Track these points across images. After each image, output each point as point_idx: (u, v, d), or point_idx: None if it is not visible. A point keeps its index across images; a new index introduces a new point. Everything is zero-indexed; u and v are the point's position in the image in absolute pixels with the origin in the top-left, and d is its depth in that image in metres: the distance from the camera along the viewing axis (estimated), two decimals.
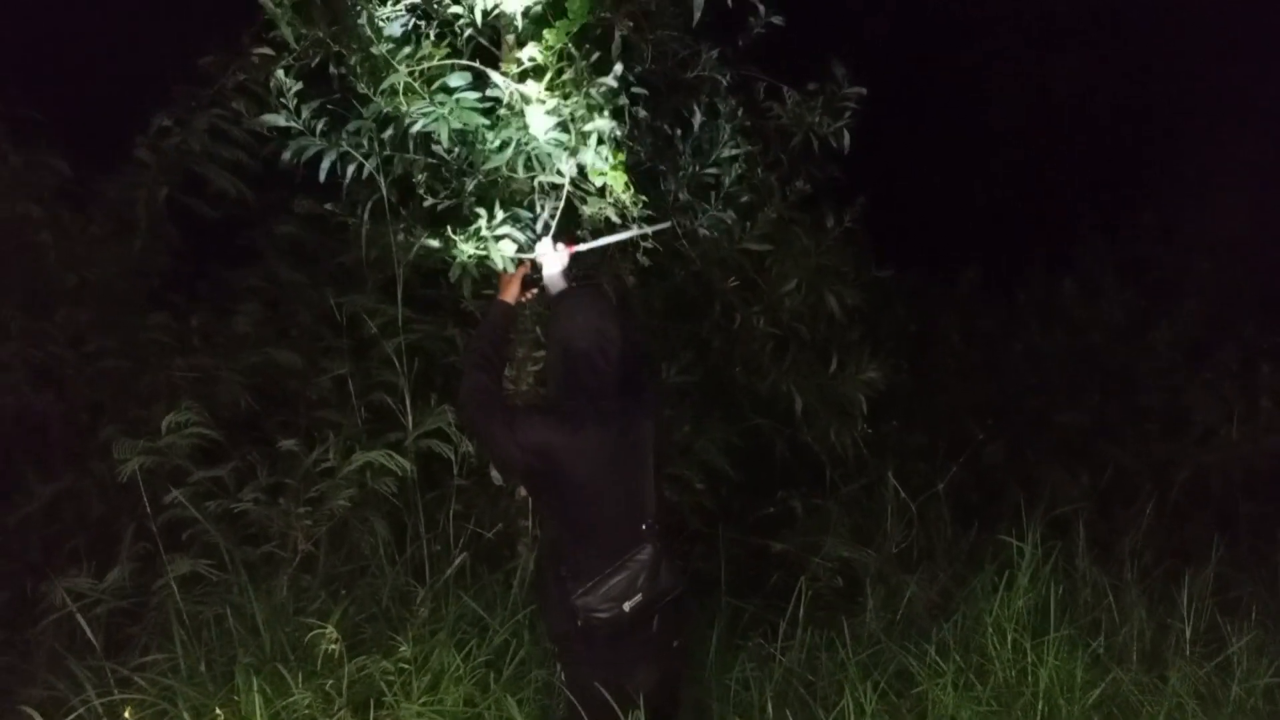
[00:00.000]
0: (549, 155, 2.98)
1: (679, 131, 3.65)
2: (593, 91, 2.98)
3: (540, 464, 2.44)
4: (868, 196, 4.21)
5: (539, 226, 3.05)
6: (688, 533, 3.88)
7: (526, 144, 2.97)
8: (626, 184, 3.03)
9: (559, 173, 3.01)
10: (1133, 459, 5.18)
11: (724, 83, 3.68)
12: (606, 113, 3.00)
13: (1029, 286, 6.55)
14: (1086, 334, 6.10)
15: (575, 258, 2.88)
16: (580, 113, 2.94)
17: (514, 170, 3.04)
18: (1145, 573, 3.91)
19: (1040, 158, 7.57)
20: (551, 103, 2.92)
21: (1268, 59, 6.70)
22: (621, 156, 3.04)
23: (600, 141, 2.98)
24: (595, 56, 3.07)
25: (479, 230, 2.97)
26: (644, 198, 3.14)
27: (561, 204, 3.04)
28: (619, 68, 3.07)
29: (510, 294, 2.80)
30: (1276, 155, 6.75)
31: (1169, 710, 3.13)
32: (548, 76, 2.96)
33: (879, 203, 4.39)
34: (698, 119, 3.56)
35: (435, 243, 3.09)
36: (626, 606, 2.42)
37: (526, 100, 2.92)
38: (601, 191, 3.11)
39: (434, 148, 3.14)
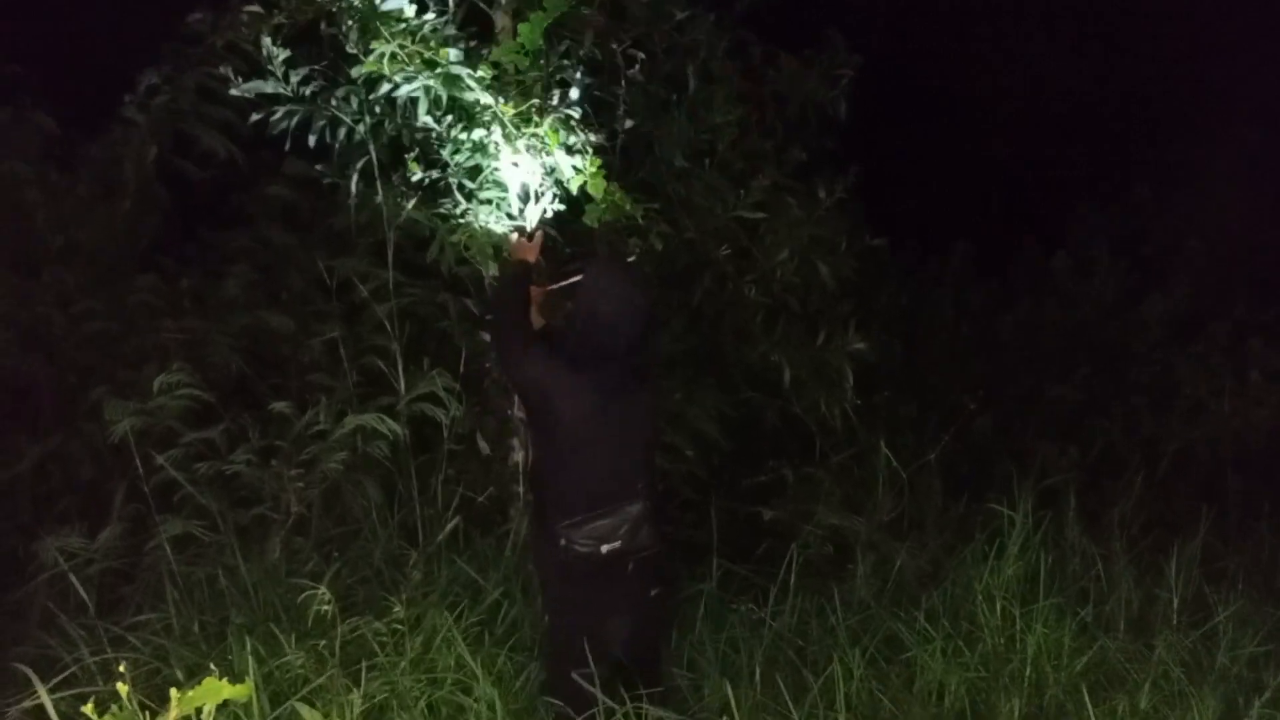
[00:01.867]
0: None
1: (674, 96, 3.63)
2: (561, 109, 2.99)
3: (537, 398, 2.62)
4: (863, 168, 4.19)
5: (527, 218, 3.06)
6: (680, 500, 3.89)
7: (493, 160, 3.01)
8: (609, 190, 3.03)
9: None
10: (1122, 432, 5.21)
11: (720, 47, 3.65)
12: (571, 132, 3.01)
13: (1021, 261, 6.55)
14: (1078, 308, 6.11)
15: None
16: (545, 130, 2.95)
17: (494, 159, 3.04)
18: (1133, 543, 3.95)
19: (1035, 133, 7.56)
20: (521, 145, 2.96)
21: (1263, 38, 6.69)
22: (598, 163, 3.02)
23: (570, 151, 2.99)
24: (565, 46, 3.08)
25: (461, 211, 2.99)
26: (631, 199, 3.13)
27: (539, 206, 3.06)
28: (575, 92, 3.09)
29: (529, 256, 2.92)
30: (1270, 133, 6.76)
31: (1155, 678, 3.16)
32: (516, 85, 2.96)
33: (873, 175, 4.37)
34: (693, 83, 3.52)
35: (418, 215, 3.11)
36: (604, 549, 2.59)
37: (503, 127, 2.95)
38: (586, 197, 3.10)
39: (424, 117, 3.11)
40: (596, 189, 3.01)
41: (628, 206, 3.06)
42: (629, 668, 2.73)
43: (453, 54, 2.91)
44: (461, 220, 3.12)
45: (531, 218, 3.00)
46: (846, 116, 4.08)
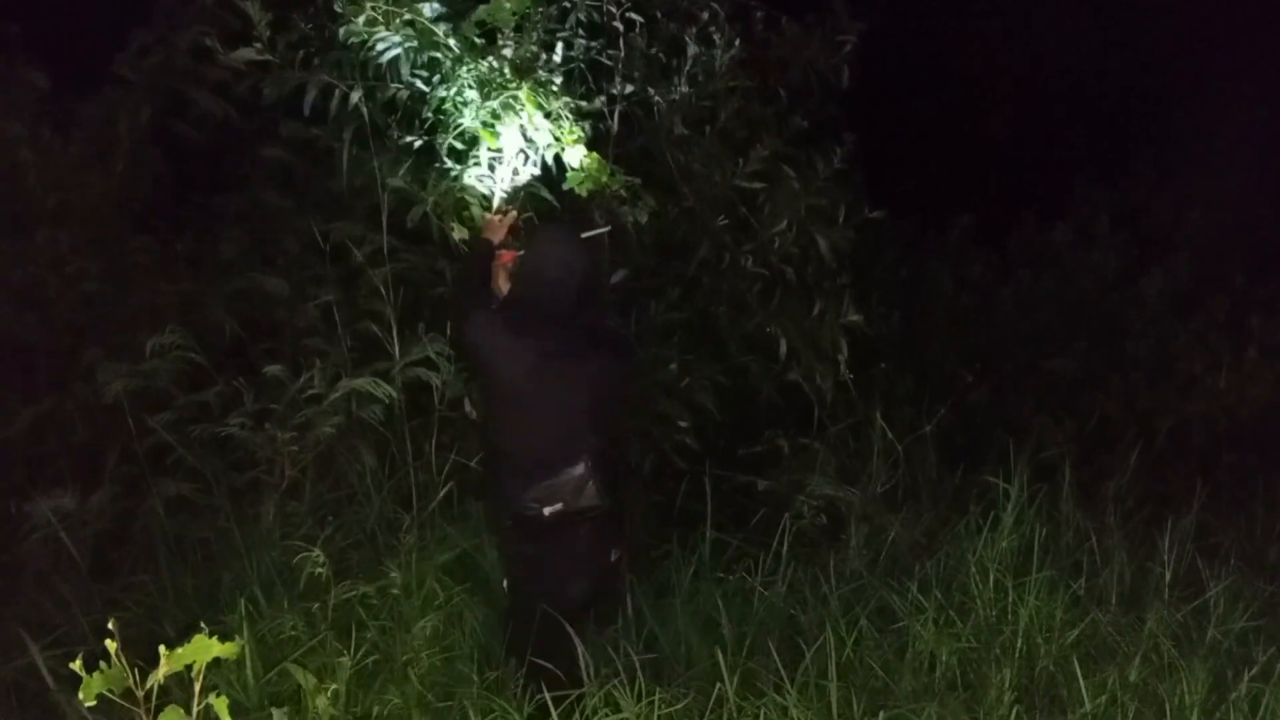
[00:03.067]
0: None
1: (674, 61, 3.58)
2: (541, 72, 2.96)
3: (475, 356, 2.75)
4: (864, 139, 4.14)
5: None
6: (673, 469, 3.88)
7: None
8: (588, 159, 3.00)
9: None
10: (1119, 406, 5.21)
11: (721, 12, 3.60)
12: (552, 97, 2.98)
13: (1021, 233, 6.52)
14: (1078, 282, 6.09)
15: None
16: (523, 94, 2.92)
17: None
18: (1127, 517, 3.96)
19: (1037, 105, 7.50)
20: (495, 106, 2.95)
21: (1265, 14, 6.62)
22: (576, 132, 2.99)
23: (548, 116, 2.96)
24: (556, 7, 3.04)
25: (454, 174, 2.98)
26: (609, 171, 3.10)
27: (511, 172, 3.06)
28: (557, 56, 3.04)
29: (495, 235, 2.98)
30: (1271, 108, 6.70)
31: (1146, 651, 3.18)
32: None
33: (874, 146, 4.33)
34: (692, 49, 3.47)
35: (400, 183, 3.09)
36: (546, 511, 2.66)
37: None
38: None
39: (406, 77, 3.08)
40: (575, 155, 2.99)
41: (604, 178, 3.03)
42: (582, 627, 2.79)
43: (427, 9, 2.88)
44: (453, 182, 3.09)
45: (502, 183, 3.00)
46: (849, 85, 4.04)
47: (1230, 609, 3.44)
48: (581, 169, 3.01)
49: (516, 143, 3.02)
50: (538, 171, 3.10)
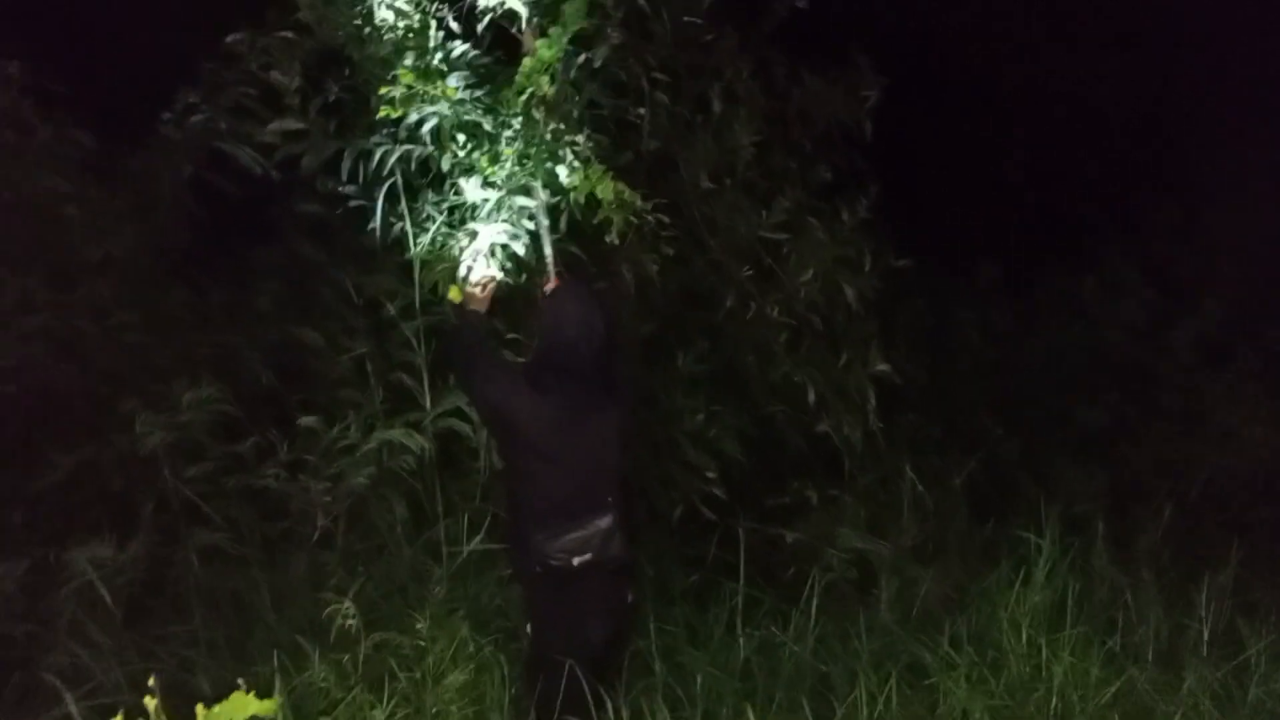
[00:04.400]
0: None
1: (699, 117, 3.64)
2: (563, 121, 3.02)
3: (499, 421, 2.76)
4: (888, 188, 4.18)
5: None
6: (701, 521, 3.87)
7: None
8: (618, 189, 3.05)
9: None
10: (1150, 459, 5.15)
11: (745, 68, 3.66)
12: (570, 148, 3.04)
13: (1049, 283, 6.50)
14: (1106, 332, 6.06)
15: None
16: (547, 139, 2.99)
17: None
18: (1162, 572, 3.89)
19: (1063, 154, 7.51)
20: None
21: None
22: (600, 170, 3.05)
23: (579, 160, 3.02)
24: (583, 58, 3.11)
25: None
26: (639, 193, 3.15)
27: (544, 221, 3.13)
28: (576, 109, 3.11)
29: (480, 306, 3.08)
30: None
31: (1185, 711, 3.11)
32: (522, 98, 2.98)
33: (899, 195, 4.36)
34: (717, 105, 3.53)
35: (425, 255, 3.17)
36: (575, 561, 2.71)
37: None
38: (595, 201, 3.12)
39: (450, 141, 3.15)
40: (606, 191, 3.03)
41: (638, 202, 3.07)
42: (601, 675, 2.85)
43: (453, 81, 2.97)
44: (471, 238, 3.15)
45: (476, 274, 3.08)
46: (872, 136, 4.08)
47: (1272, 668, 3.36)
48: (614, 198, 3.05)
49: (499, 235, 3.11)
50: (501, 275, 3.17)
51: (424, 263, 3.34)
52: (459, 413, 3.48)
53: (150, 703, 1.90)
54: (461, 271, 3.13)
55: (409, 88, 2.90)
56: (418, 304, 3.48)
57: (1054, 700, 3.14)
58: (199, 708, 1.89)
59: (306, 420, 3.44)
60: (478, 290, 3.14)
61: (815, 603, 3.42)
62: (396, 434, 3.36)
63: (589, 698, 2.70)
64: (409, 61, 2.95)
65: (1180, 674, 3.26)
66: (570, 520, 2.71)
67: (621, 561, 2.80)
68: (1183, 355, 5.77)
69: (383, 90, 2.94)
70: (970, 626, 3.44)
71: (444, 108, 2.96)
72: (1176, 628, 3.57)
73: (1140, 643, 3.44)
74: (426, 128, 3.02)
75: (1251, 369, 5.55)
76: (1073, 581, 3.48)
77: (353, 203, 3.53)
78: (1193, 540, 4.35)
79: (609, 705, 2.77)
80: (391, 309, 3.58)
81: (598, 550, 2.72)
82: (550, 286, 3.01)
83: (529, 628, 2.88)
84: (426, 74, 2.95)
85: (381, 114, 2.97)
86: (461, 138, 3.08)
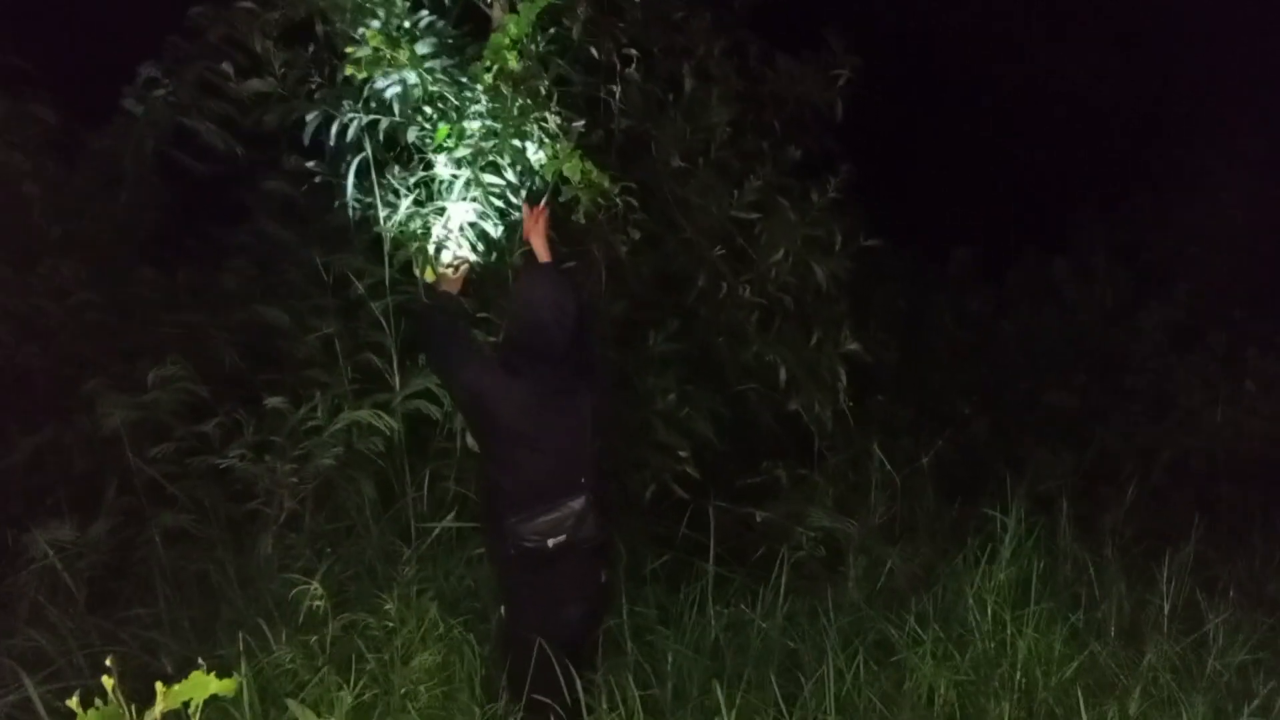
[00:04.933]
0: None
1: (671, 96, 3.63)
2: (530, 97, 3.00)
3: (474, 404, 2.75)
4: (861, 171, 4.19)
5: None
6: (672, 501, 3.88)
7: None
8: (586, 169, 3.03)
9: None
10: (1117, 439, 5.22)
11: (717, 47, 3.65)
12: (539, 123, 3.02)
13: (1022, 267, 6.55)
14: (1077, 315, 6.12)
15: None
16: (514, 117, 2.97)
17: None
18: (1126, 550, 3.95)
19: (1038, 139, 7.56)
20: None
21: (1267, 47, 6.69)
22: (569, 147, 3.04)
23: (548, 137, 3.00)
24: (553, 32, 3.09)
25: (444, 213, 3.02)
26: (609, 174, 3.14)
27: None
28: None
29: (452, 288, 3.10)
30: (1273, 145, 6.76)
31: (1145, 684, 3.16)
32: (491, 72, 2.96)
33: (872, 178, 4.37)
34: (689, 83, 3.52)
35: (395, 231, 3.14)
36: (550, 543, 2.72)
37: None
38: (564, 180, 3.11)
39: (414, 111, 3.12)
40: (574, 171, 3.02)
41: (605, 184, 3.06)
42: (577, 654, 2.85)
43: (421, 47, 2.93)
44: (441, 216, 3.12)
45: (448, 254, 3.10)
46: (846, 117, 4.08)
47: (1230, 642, 3.42)
48: (582, 176, 3.04)
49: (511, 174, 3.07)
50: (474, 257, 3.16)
51: (393, 240, 3.31)
52: (428, 394, 3.45)
53: (109, 682, 1.87)
54: (431, 249, 3.11)
55: (375, 50, 2.86)
56: (387, 282, 3.45)
57: (1018, 675, 3.18)
58: (159, 685, 1.87)
59: (273, 400, 3.40)
60: (450, 271, 3.14)
61: (784, 581, 3.44)
62: (364, 415, 3.33)
63: (561, 678, 2.70)
64: (376, 24, 2.91)
65: (1141, 649, 3.31)
66: (544, 502, 2.72)
67: (596, 542, 2.80)
68: (1151, 338, 5.84)
69: (349, 50, 2.89)
70: (937, 604, 3.48)
71: (411, 75, 2.92)
72: (1138, 603, 3.62)
73: (1103, 618, 3.49)
74: (391, 92, 2.98)
75: (1217, 352, 5.62)
76: (1038, 560, 3.53)
77: (320, 178, 3.50)
78: (1156, 519, 4.42)
79: (584, 684, 2.78)
80: (360, 288, 3.54)
81: (571, 531, 2.73)
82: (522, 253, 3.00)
83: (502, 609, 2.88)
84: (393, 39, 2.91)
85: (348, 71, 2.92)
86: (429, 110, 3.04)
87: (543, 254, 2.97)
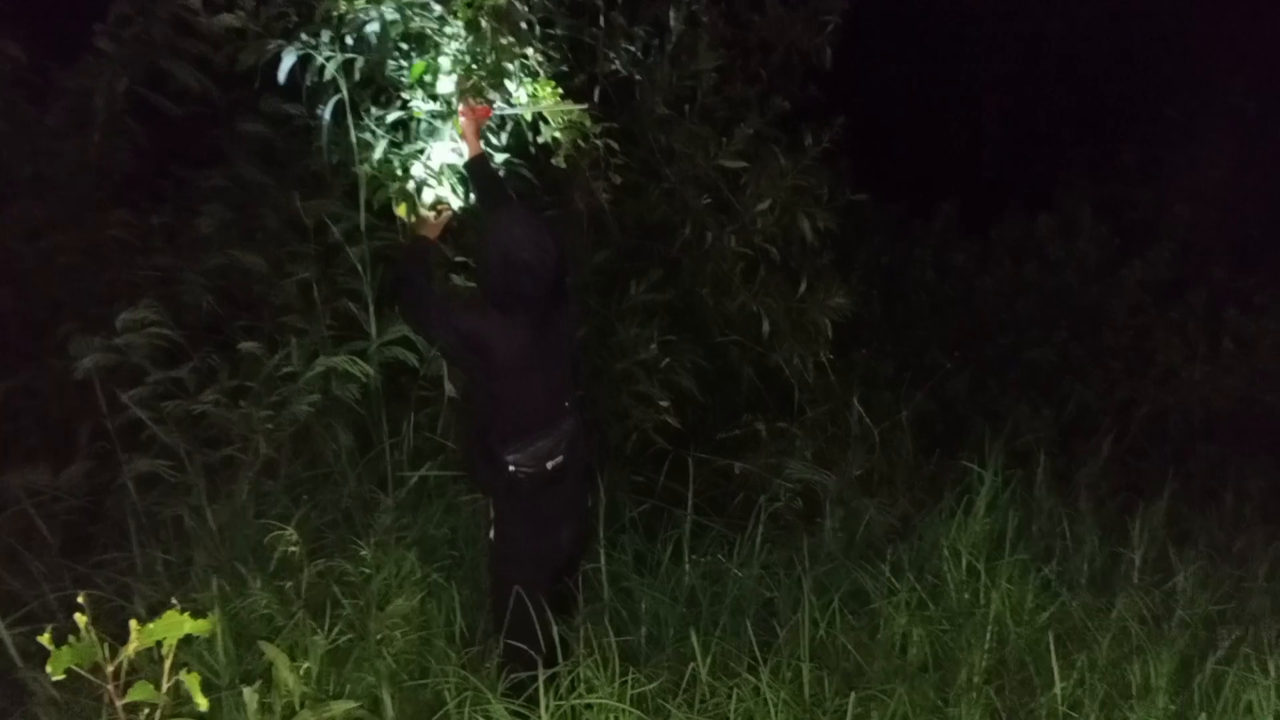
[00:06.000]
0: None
1: (657, 41, 3.56)
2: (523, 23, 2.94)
3: (473, 347, 2.76)
4: (850, 122, 4.14)
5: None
6: (652, 450, 3.89)
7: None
8: (567, 110, 2.98)
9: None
10: (1095, 395, 5.25)
11: None
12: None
13: (1006, 222, 6.54)
14: (1060, 272, 6.12)
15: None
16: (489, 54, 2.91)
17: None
18: (1100, 503, 3.99)
19: (1025, 95, 7.51)
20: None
21: (1256, 8, 6.64)
22: (549, 85, 2.99)
23: (528, 75, 2.95)
24: None
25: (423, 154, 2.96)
26: (588, 116, 3.08)
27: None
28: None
29: (431, 233, 3.09)
30: (1259, 104, 6.74)
31: (1114, 634, 3.21)
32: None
33: (859, 130, 4.33)
34: (676, 27, 3.45)
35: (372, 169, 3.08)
36: (549, 465, 2.78)
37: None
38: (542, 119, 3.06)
39: (392, 48, 3.05)
40: (553, 110, 2.98)
41: (586, 122, 3.02)
42: (565, 575, 2.94)
43: None
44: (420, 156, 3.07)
45: (429, 196, 3.07)
46: (833, 69, 4.03)
47: (1198, 593, 3.48)
48: (564, 118, 2.99)
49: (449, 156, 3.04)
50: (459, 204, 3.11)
51: (371, 183, 3.26)
52: (405, 341, 3.42)
53: (82, 619, 1.87)
54: (411, 188, 3.06)
55: None
56: (363, 227, 3.40)
57: (990, 625, 3.22)
58: (132, 624, 1.87)
59: (248, 345, 3.36)
60: (431, 215, 3.08)
61: (761, 531, 3.46)
62: (339, 360, 3.30)
63: (547, 609, 2.78)
64: None
65: (1112, 600, 3.36)
66: (540, 429, 2.77)
67: (585, 461, 2.89)
68: (1132, 295, 5.86)
69: None
70: (912, 555, 3.51)
71: (390, 9, 2.85)
72: (1111, 556, 3.67)
73: (1075, 570, 3.54)
74: (370, 28, 2.91)
75: (1197, 310, 5.65)
76: (1013, 512, 3.56)
77: (297, 120, 3.43)
78: (1131, 474, 4.47)
79: (566, 621, 2.85)
80: (336, 232, 3.49)
81: (566, 452, 2.79)
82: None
83: (492, 534, 2.89)
84: None
85: (326, 4, 2.86)
86: (405, 47, 2.98)
87: (474, 148, 2.99)
